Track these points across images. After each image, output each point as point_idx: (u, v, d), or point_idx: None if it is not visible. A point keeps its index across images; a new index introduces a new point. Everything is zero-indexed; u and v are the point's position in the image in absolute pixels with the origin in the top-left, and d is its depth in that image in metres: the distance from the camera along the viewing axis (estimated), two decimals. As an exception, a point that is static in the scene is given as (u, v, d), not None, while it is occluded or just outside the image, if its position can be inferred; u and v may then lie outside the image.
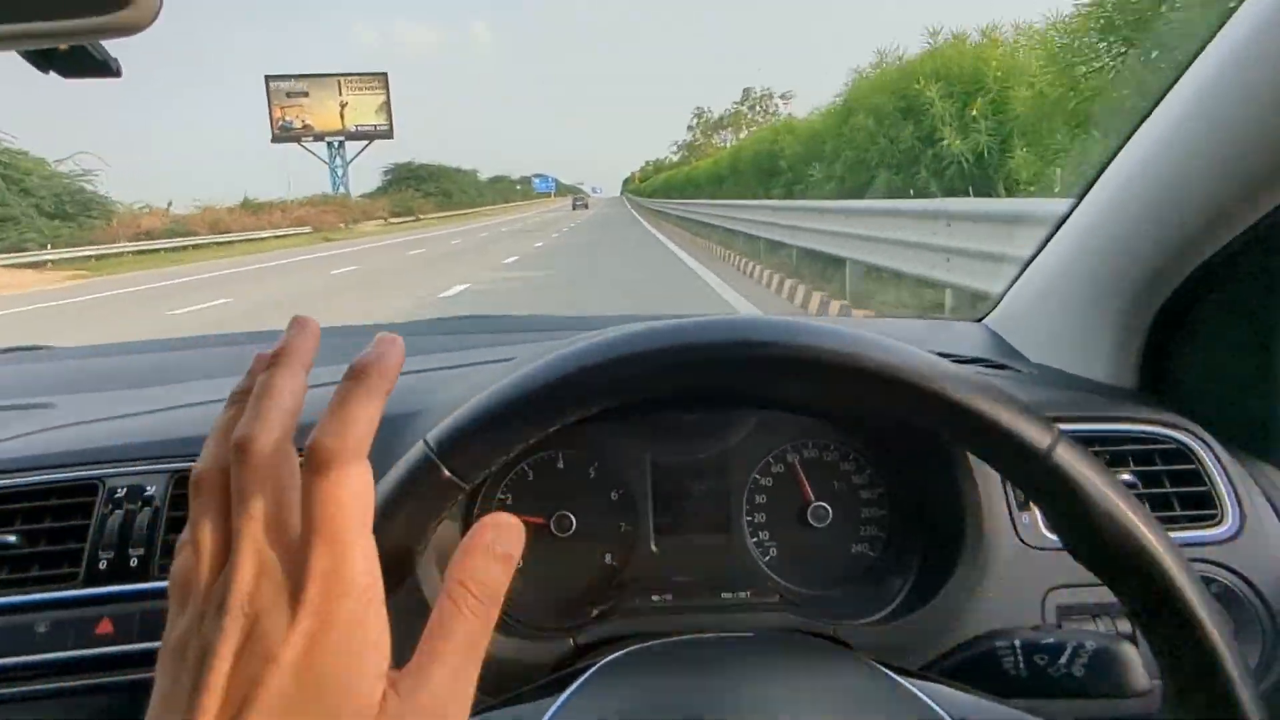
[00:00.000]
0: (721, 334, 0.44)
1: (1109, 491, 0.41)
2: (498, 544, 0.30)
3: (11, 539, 0.69)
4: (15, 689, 0.66)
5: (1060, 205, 0.86)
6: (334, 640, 0.26)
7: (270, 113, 52.38)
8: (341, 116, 52.47)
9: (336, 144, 53.23)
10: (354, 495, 0.28)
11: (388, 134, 54.95)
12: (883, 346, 0.44)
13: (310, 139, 53.06)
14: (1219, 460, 0.69)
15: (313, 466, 0.28)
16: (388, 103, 53.74)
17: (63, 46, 0.42)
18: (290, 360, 0.30)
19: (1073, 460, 0.41)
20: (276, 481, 0.28)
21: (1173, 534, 0.64)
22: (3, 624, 0.67)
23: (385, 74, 54.54)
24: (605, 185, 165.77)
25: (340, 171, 53.18)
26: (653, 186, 56.88)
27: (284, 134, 52.58)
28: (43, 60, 0.44)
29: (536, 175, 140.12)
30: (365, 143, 55.20)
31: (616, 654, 0.50)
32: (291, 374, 0.30)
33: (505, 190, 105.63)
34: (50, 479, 0.72)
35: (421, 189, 61.67)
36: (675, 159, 63.91)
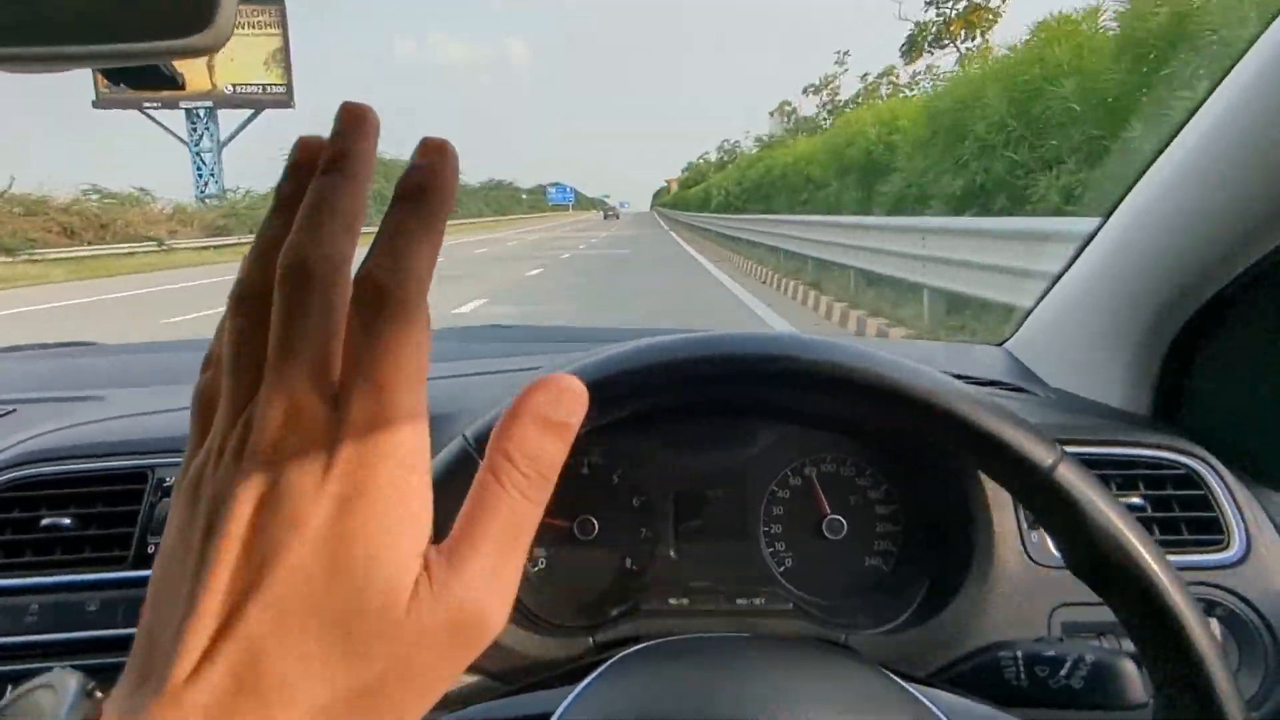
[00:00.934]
0: (741, 348, 0.48)
1: (1108, 510, 0.43)
2: (555, 410, 0.25)
3: (65, 522, 0.73)
4: (67, 663, 0.69)
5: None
6: (367, 509, 0.22)
7: (92, 61, 29.01)
8: (210, 70, 32.68)
9: (202, 113, 33.10)
10: (408, 343, 0.23)
11: (284, 99, 33.55)
12: (897, 365, 0.46)
13: (157, 105, 32.37)
14: (1227, 487, 0.71)
15: (363, 305, 0.23)
16: (285, 50, 32.96)
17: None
18: (350, 165, 0.25)
19: (1074, 479, 0.44)
20: (327, 316, 0.23)
21: (1180, 557, 0.67)
22: (56, 601, 0.70)
23: (281, 2, 33.12)
24: (634, 199, 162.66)
25: (209, 158, 33.21)
26: (703, 196, 36.54)
27: (114, 96, 31.41)
28: (116, 73, 0.46)
29: (552, 185, 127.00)
30: (250, 113, 33.93)
31: (634, 648, 0.51)
32: (352, 183, 0.25)
33: (503, 200, 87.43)
34: (102, 467, 0.76)
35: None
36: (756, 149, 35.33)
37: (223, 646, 0.21)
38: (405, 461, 0.23)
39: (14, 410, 0.91)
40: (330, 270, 0.23)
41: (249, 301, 0.25)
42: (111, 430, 0.81)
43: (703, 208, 35.13)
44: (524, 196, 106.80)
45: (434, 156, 0.25)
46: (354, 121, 0.26)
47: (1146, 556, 0.42)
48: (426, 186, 0.25)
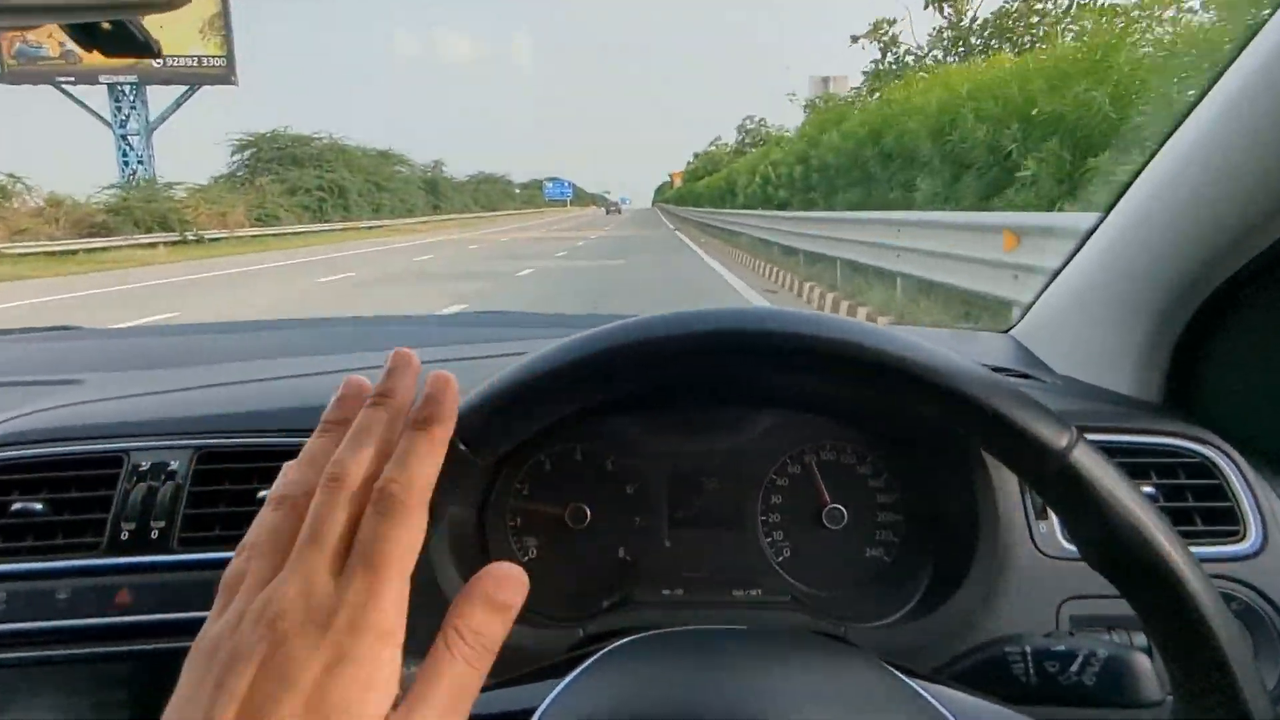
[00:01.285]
0: (746, 322, 0.45)
1: (1125, 495, 0.41)
2: (498, 593, 0.31)
3: (38, 507, 0.70)
4: (36, 653, 0.67)
5: (1089, 219, 0.85)
6: (348, 675, 0.27)
7: (-7, 30, 15.23)
8: (135, 39, 24.14)
9: (128, 90, 28.34)
10: (406, 541, 0.30)
11: (223, 74, 28.55)
12: (904, 343, 0.44)
13: (71, 80, 27.39)
14: (1243, 476, 0.68)
15: (377, 507, 0.30)
16: (224, 16, 28.26)
17: (106, 24, 0.43)
18: (394, 404, 0.33)
19: (1090, 462, 0.41)
20: (351, 515, 0.30)
21: (1193, 549, 0.61)
22: (25, 589, 0.68)
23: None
24: (636, 194, 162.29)
25: (137, 141, 28.47)
26: (723, 188, 27.11)
27: (25, 68, 26.90)
28: (87, 38, 0.44)
29: (550, 179, 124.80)
30: (185, 90, 28.87)
31: (622, 641, 0.50)
32: (392, 418, 0.33)
33: (494, 194, 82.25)
34: (76, 450, 0.73)
35: (284, 179, 33.50)
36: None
37: None
38: (384, 635, 0.28)
39: None
40: (363, 483, 0.31)
41: (290, 500, 0.31)
42: (86, 414, 0.78)
43: (721, 203, 25.73)
44: (518, 191, 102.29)
45: (438, 388, 0.33)
46: (401, 365, 0.34)
47: (1166, 544, 0.40)
48: (432, 419, 0.33)
